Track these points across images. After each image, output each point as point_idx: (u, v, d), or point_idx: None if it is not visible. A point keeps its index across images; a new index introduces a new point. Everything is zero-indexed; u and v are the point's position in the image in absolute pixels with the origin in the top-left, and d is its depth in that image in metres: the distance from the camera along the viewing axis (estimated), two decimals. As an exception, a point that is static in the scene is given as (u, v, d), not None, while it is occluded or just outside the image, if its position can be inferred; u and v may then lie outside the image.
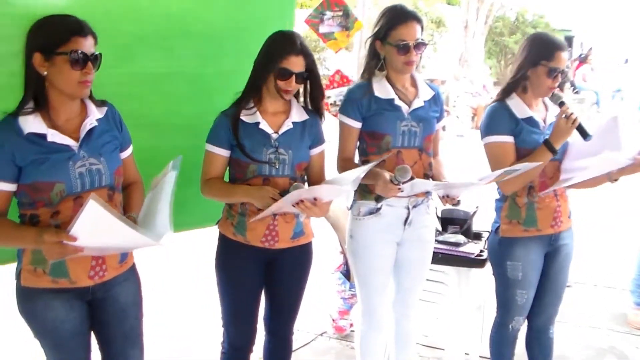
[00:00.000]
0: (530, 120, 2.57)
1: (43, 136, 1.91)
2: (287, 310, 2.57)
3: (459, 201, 2.53)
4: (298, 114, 2.43)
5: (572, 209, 2.75)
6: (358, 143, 2.64)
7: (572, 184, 2.60)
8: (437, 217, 3.64)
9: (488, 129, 2.61)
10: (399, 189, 2.35)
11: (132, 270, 2.20)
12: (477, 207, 3.64)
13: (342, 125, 2.61)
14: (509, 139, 2.57)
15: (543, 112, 2.66)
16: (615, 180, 2.59)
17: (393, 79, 2.58)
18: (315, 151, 2.49)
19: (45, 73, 1.90)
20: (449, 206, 2.62)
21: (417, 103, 2.58)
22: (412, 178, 2.33)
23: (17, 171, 1.91)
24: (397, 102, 2.54)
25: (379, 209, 2.58)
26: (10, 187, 1.93)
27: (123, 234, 1.84)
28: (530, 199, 2.60)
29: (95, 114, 2.03)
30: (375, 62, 2.58)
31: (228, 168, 2.44)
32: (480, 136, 2.65)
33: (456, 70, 14.83)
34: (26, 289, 1.98)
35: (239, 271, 2.45)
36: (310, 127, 2.45)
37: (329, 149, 2.58)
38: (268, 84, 2.34)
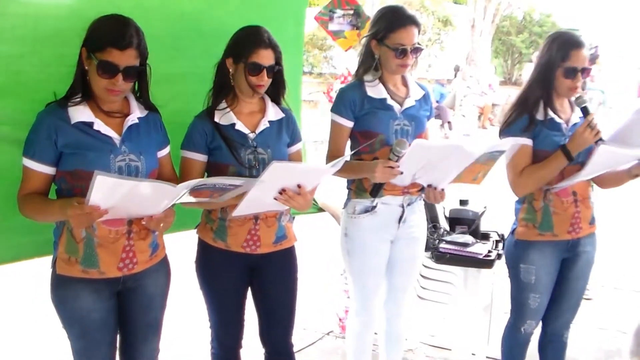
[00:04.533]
0: (551, 122, 2.54)
1: (90, 124, 1.99)
2: (282, 322, 2.48)
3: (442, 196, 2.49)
4: (274, 113, 2.38)
5: (595, 215, 2.68)
6: (349, 142, 2.63)
7: (588, 178, 2.56)
8: (445, 217, 3.65)
9: (507, 130, 2.59)
10: (398, 167, 2.29)
11: (163, 261, 2.24)
12: (485, 207, 3.64)
13: (334, 124, 2.60)
14: (527, 141, 2.54)
15: (568, 113, 2.60)
16: (637, 175, 2.53)
17: (385, 78, 2.59)
18: (293, 149, 2.45)
19: (87, 68, 1.98)
20: (441, 205, 2.58)
21: (409, 102, 2.59)
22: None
23: (57, 156, 1.97)
24: (390, 101, 2.55)
25: (375, 207, 2.58)
26: (49, 170, 1.99)
27: (140, 188, 1.85)
28: (546, 203, 2.58)
29: (137, 112, 2.09)
30: (370, 62, 2.58)
31: (206, 175, 2.35)
32: (499, 135, 2.63)
33: (463, 69, 14.81)
34: (60, 276, 2.05)
35: (221, 278, 2.39)
36: (287, 125, 2.41)
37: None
38: (239, 83, 2.29)
